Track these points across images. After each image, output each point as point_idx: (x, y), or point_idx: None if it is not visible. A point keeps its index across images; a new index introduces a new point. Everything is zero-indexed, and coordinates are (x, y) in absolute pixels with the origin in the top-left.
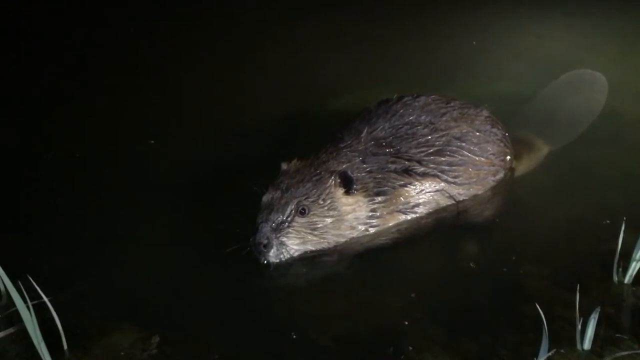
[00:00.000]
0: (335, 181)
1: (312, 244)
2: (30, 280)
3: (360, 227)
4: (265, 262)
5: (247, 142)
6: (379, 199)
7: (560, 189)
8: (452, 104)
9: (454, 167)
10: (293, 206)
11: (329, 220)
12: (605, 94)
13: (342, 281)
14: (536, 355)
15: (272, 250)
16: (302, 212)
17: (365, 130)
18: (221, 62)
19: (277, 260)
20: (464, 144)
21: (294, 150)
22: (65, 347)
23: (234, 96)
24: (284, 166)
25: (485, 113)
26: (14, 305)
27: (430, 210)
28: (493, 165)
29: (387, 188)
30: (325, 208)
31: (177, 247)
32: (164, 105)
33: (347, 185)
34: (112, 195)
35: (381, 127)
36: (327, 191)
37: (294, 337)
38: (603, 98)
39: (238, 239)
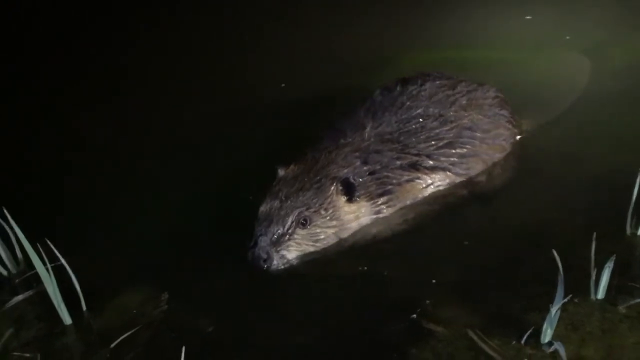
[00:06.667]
0: (336, 189)
1: (313, 253)
2: (48, 245)
3: (363, 231)
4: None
5: (263, 119)
6: (383, 199)
7: (572, 148)
8: (458, 89)
9: (464, 159)
10: (294, 217)
11: (330, 230)
12: (588, 76)
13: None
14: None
15: (273, 264)
16: (303, 224)
17: (370, 126)
18: (228, 45)
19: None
20: (476, 134)
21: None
22: (85, 307)
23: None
24: (281, 172)
25: (491, 93)
26: (29, 270)
27: (439, 205)
28: (504, 150)
29: (391, 186)
30: (327, 218)
31: (186, 213)
32: (174, 84)
33: (349, 192)
34: (125, 163)
35: (387, 122)
36: (329, 200)
37: (304, 293)
38: (585, 79)
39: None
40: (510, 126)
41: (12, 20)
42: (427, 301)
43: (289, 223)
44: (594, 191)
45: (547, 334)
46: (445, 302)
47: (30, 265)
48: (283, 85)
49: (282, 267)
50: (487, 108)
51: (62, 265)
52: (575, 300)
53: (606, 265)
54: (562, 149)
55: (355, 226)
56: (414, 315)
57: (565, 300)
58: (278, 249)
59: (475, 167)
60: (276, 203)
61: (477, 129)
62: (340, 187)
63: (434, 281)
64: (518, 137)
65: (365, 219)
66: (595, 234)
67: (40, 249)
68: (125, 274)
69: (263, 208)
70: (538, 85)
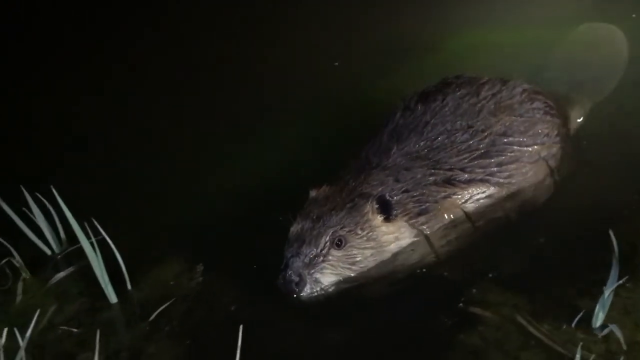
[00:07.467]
0: (372, 207)
1: (349, 279)
2: (86, 224)
3: (403, 255)
4: (296, 297)
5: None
6: (422, 219)
7: (626, 127)
8: (482, 94)
9: (504, 167)
10: (327, 237)
11: (368, 252)
12: (626, 46)
13: None
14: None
15: (306, 289)
16: (339, 244)
17: (395, 148)
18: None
19: (310, 297)
20: (511, 139)
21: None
22: (129, 284)
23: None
24: (313, 193)
25: (518, 89)
26: (69, 247)
27: (485, 219)
28: (549, 147)
29: (428, 204)
30: (364, 239)
31: (219, 190)
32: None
33: (386, 211)
34: (159, 146)
35: (413, 142)
36: (365, 219)
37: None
38: (624, 50)
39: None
40: (548, 117)
41: (13, 18)
42: (474, 290)
43: (322, 243)
44: None
45: (598, 318)
46: (494, 288)
47: (73, 245)
48: (336, 64)
49: (316, 292)
50: (518, 106)
51: (98, 242)
52: (627, 285)
53: None
54: (615, 128)
55: (394, 248)
56: (461, 304)
57: (620, 282)
58: (311, 271)
59: (518, 174)
60: (308, 223)
61: (512, 132)
62: (376, 206)
63: (486, 271)
64: (561, 124)
65: (405, 241)
66: None
67: (87, 227)
68: (159, 248)
69: (294, 229)
70: (583, 63)
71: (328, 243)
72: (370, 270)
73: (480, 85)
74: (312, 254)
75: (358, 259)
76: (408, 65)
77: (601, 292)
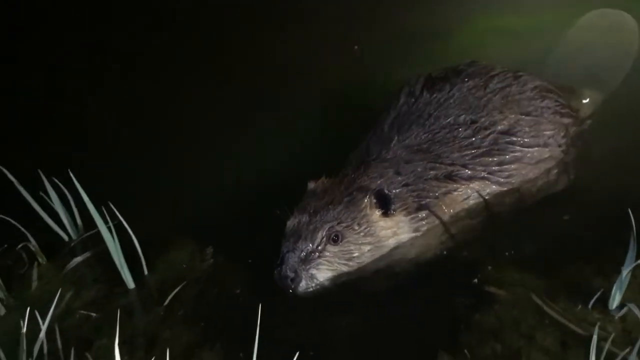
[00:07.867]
0: (370, 202)
1: (346, 274)
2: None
3: (402, 250)
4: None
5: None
6: (422, 214)
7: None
8: (490, 87)
9: (504, 167)
10: (324, 232)
11: (365, 247)
12: (637, 33)
13: None
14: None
15: (301, 284)
16: (335, 240)
17: (396, 139)
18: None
19: (306, 292)
20: (514, 138)
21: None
22: (145, 269)
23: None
24: (311, 185)
25: (529, 85)
26: (85, 233)
27: (483, 216)
28: (552, 150)
29: (429, 200)
30: (361, 234)
31: (229, 176)
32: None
33: (385, 205)
34: (166, 132)
35: (415, 134)
36: (362, 214)
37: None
38: (635, 37)
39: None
40: (558, 118)
41: (13, 18)
42: (490, 268)
43: (319, 239)
44: None
45: (615, 298)
46: (509, 267)
47: (89, 231)
48: (356, 47)
49: (312, 288)
50: (527, 103)
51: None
52: None
53: None
54: (635, 110)
55: (392, 243)
56: (476, 280)
57: (638, 262)
58: (307, 267)
59: (518, 174)
60: (305, 217)
61: (515, 131)
62: (374, 200)
63: (502, 250)
64: (570, 125)
65: (404, 237)
66: None
67: (105, 212)
68: (170, 231)
69: (290, 223)
70: (593, 50)
71: (324, 238)
72: (368, 265)
73: (490, 78)
74: (308, 249)
75: (355, 254)
76: (415, 56)
77: (617, 273)
